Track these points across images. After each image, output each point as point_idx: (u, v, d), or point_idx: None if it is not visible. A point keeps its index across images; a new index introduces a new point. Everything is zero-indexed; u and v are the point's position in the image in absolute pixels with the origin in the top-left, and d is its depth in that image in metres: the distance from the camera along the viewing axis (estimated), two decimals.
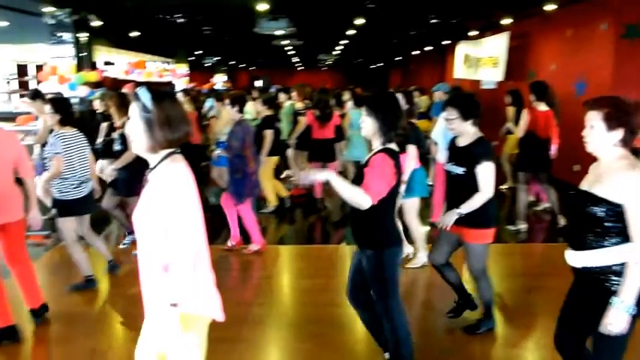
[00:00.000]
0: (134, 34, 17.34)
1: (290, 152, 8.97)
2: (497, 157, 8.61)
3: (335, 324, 4.10)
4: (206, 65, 30.00)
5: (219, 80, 29.56)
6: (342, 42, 22.13)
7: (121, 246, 6.10)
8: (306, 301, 4.72)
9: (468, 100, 3.71)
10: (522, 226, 6.66)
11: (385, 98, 3.14)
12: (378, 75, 34.95)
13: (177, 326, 2.06)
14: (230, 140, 5.71)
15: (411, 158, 4.85)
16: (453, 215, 3.59)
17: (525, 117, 6.47)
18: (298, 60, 32.82)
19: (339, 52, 26.48)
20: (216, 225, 6.33)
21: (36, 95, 7.08)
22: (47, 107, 4.71)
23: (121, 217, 5.99)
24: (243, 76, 38.39)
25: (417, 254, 5.30)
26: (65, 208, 4.69)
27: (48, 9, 13.53)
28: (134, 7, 14.47)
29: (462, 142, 3.66)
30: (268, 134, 7.22)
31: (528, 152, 6.58)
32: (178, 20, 16.77)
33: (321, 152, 8.10)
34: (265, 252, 5.91)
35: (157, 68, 21.23)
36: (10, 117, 10.75)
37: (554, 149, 6.55)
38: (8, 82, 15.92)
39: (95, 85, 14.11)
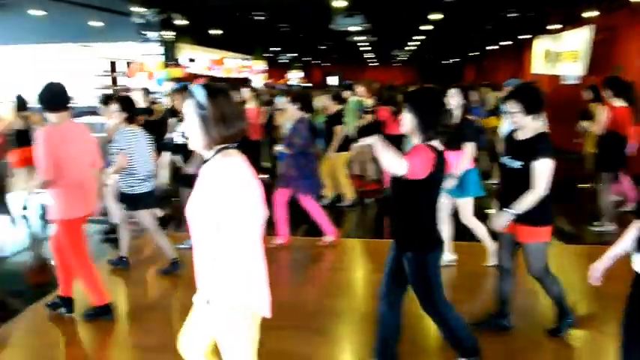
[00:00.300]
0: (216, 32, 18.02)
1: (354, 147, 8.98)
2: (579, 154, 8.48)
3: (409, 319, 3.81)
4: (282, 62, 30.54)
5: (294, 76, 30.08)
6: (415, 38, 22.06)
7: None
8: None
9: (531, 94, 3.53)
10: (610, 227, 6.37)
11: (425, 94, 3.03)
12: (452, 71, 34.45)
13: (230, 320, 2.11)
14: (293, 137, 5.68)
15: (465, 156, 4.70)
16: (505, 216, 3.44)
17: (604, 114, 6.27)
18: (371, 56, 32.88)
19: (412, 47, 26.36)
20: (298, 218, 6.24)
21: (107, 100, 7.27)
22: (114, 106, 4.86)
23: None
24: (316, 72, 38.79)
25: (487, 253, 5.09)
26: (133, 201, 4.93)
27: (137, 9, 14.35)
28: (216, 6, 15.11)
29: (521, 135, 3.50)
30: (339, 130, 7.21)
31: (610, 151, 6.38)
32: (257, 18, 17.30)
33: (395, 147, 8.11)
34: (338, 245, 5.91)
35: (235, 65, 21.97)
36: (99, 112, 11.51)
37: (632, 147, 6.31)
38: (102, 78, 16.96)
39: (180, 81, 14.87)
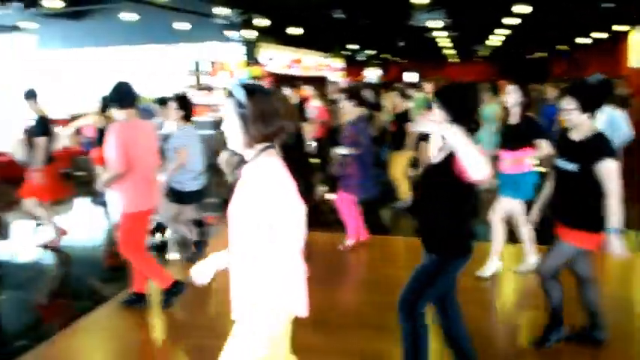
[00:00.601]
0: (295, 31, 18.17)
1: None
2: None
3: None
4: (359, 59, 30.45)
5: (371, 74, 29.89)
6: (498, 32, 21.29)
7: None
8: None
9: (589, 91, 3.33)
10: None
11: (455, 90, 2.89)
12: (538, 66, 33.02)
13: (266, 321, 2.11)
14: (357, 136, 5.39)
15: (541, 150, 4.39)
16: (618, 238, 3.10)
17: None
18: (451, 52, 32.12)
19: (495, 42, 25.49)
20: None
21: (164, 101, 7.37)
22: (172, 104, 5.06)
23: None
24: (393, 69, 38.41)
25: (526, 258, 4.84)
26: (180, 197, 5.07)
27: (221, 10, 14.70)
28: (297, 5, 15.22)
29: (576, 135, 3.27)
30: (409, 128, 6.83)
31: None
32: (336, 16, 17.30)
33: None
34: (395, 245, 5.84)
35: (314, 63, 22.09)
36: None
37: None
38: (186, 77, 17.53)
39: (260, 80, 15.13)
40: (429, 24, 17.87)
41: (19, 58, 17.22)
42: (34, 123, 5.75)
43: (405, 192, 7.30)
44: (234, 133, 2.14)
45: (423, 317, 2.86)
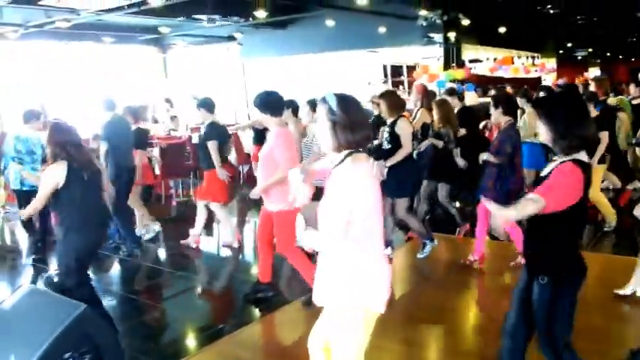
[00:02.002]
0: (501, 29, 17.04)
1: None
2: None
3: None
4: (578, 58, 27.73)
5: (593, 74, 26.90)
6: None
7: (419, 255, 5.57)
8: None
9: None
10: None
11: (558, 99, 2.88)
12: None
13: (344, 319, 2.33)
14: (504, 144, 4.98)
15: None
16: None
17: None
18: None
19: None
20: None
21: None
22: (307, 108, 5.44)
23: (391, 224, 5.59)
24: (621, 69, 34.17)
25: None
26: None
27: (422, 12, 14.34)
28: (503, 1, 14.23)
29: None
30: (604, 137, 5.89)
31: None
32: (549, 11, 15.83)
33: None
34: None
35: (523, 64, 20.50)
36: None
37: None
38: (385, 82, 17.54)
39: (462, 82, 14.41)
40: None
41: (231, 66, 18.88)
42: (205, 129, 6.15)
43: (609, 212, 6.27)
44: (325, 138, 2.36)
45: (571, 354, 2.69)
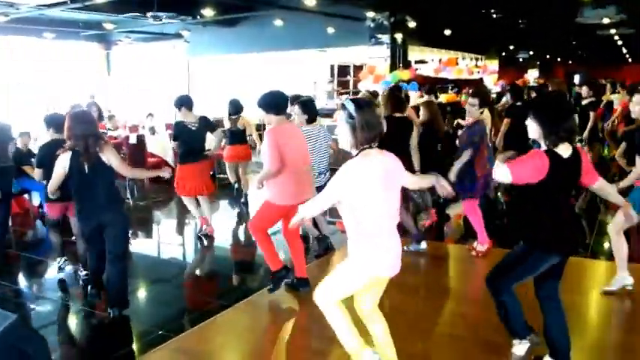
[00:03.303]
0: (446, 31, 17.45)
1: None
2: None
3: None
4: (519, 60, 28.66)
5: (532, 76, 27.88)
6: None
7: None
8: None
9: None
10: None
11: (548, 100, 3.28)
12: None
13: (350, 264, 2.89)
14: (470, 139, 5.26)
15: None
16: None
17: None
18: (630, 52, 28.88)
19: None
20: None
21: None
22: (296, 108, 5.37)
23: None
24: (559, 71, 35.59)
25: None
26: None
27: (369, 14, 14.51)
28: (449, 4, 14.56)
29: None
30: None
31: None
32: (492, 14, 16.30)
33: None
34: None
35: (467, 65, 21.05)
36: (329, 113, 11.88)
37: None
38: (331, 82, 17.66)
39: (407, 83, 14.67)
40: (603, 21, 16.18)
41: (176, 64, 18.59)
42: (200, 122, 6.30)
43: None
44: (344, 137, 2.83)
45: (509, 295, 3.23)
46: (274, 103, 4.40)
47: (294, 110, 5.42)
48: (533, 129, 3.08)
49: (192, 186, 6.31)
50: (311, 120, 5.46)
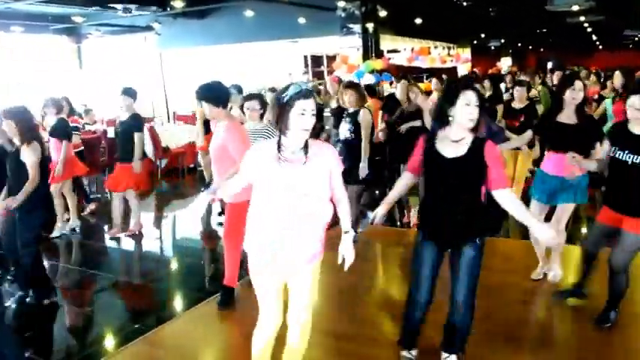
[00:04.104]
0: (417, 20, 17.56)
1: None
2: None
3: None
4: (491, 49, 28.94)
5: (505, 64, 28.20)
6: None
7: None
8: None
9: None
10: None
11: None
12: None
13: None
14: None
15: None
16: None
17: None
18: (600, 39, 29.36)
19: None
20: None
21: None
22: (254, 103, 5.13)
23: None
24: (531, 58, 36.03)
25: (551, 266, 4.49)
26: None
27: (340, 3, 14.54)
28: None
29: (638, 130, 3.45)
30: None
31: None
32: (463, 3, 16.43)
33: None
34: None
35: (439, 54, 21.23)
36: None
37: None
38: (306, 72, 17.66)
39: (380, 73, 14.76)
40: (572, 8, 16.39)
41: (148, 57, 18.41)
42: (128, 119, 6.12)
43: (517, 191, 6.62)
44: None
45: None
46: (224, 95, 4.13)
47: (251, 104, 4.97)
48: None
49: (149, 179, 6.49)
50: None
